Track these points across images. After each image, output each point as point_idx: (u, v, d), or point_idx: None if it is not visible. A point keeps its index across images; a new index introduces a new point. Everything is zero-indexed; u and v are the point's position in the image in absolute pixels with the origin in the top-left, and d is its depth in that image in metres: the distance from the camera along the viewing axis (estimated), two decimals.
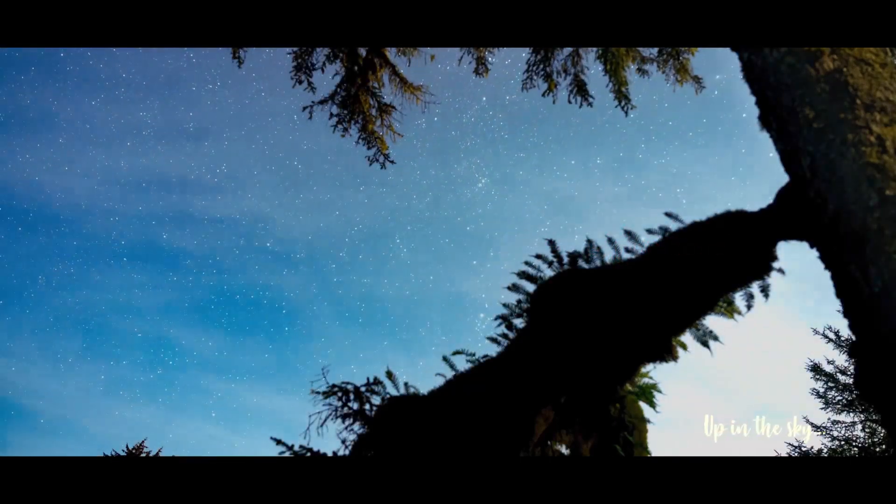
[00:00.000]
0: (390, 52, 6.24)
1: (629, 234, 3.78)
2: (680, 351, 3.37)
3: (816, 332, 11.01)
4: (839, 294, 1.67)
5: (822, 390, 11.02)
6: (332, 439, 3.64)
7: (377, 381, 3.36)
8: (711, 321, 3.55)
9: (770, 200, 2.47)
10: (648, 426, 3.92)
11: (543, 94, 6.11)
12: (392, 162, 6.55)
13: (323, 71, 6.12)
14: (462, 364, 4.49)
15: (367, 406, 3.24)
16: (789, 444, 11.08)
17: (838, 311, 1.71)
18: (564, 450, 3.53)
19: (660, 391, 4.06)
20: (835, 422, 10.73)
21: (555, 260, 4.10)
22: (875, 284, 1.39)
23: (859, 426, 10.52)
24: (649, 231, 3.48)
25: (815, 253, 1.96)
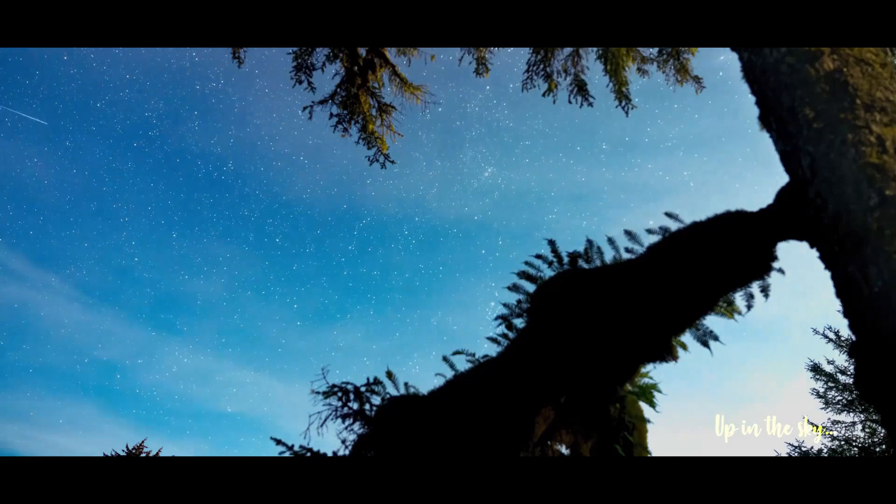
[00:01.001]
0: (390, 52, 6.24)
1: (629, 234, 3.78)
2: (681, 351, 3.37)
3: (816, 332, 11.02)
4: (839, 294, 1.67)
5: (822, 390, 11.03)
6: (333, 439, 3.64)
7: (377, 381, 3.36)
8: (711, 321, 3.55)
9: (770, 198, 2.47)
10: (648, 426, 3.92)
11: (544, 94, 6.11)
12: (392, 162, 6.55)
13: (323, 71, 6.12)
14: (462, 364, 4.49)
15: (367, 406, 3.24)
16: (789, 444, 11.10)
17: (838, 311, 1.71)
18: (564, 450, 3.52)
19: (660, 391, 4.06)
20: (835, 422, 10.74)
21: (555, 260, 4.10)
22: (875, 284, 1.39)
23: (859, 426, 10.52)
24: (649, 231, 3.48)
25: (815, 253, 1.96)
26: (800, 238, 2.32)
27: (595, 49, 5.76)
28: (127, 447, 15.28)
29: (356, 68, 6.15)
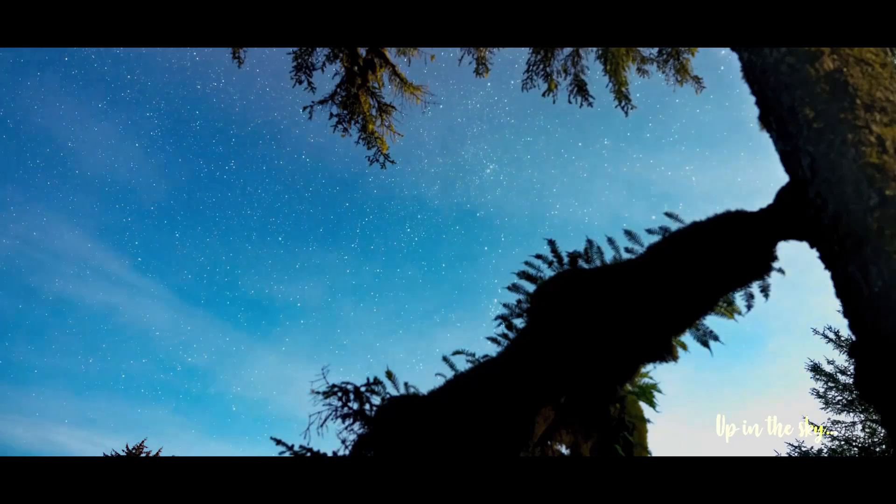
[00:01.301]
0: (390, 52, 6.24)
1: (629, 234, 3.78)
2: (680, 351, 3.36)
3: (816, 332, 11.03)
4: (839, 294, 1.67)
5: (822, 390, 11.03)
6: (332, 439, 3.64)
7: (377, 381, 3.36)
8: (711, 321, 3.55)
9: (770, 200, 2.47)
10: (648, 426, 3.92)
11: (544, 95, 6.11)
12: (392, 162, 6.55)
13: (323, 71, 6.12)
14: (462, 364, 4.49)
15: (367, 406, 3.24)
16: (789, 444, 11.10)
17: (838, 311, 1.71)
18: (564, 450, 3.52)
19: (660, 391, 4.06)
20: (835, 422, 10.74)
21: (555, 260, 4.10)
22: (875, 284, 1.39)
23: (859, 426, 10.53)
24: (649, 231, 3.48)
25: (815, 253, 1.96)
26: (800, 238, 2.32)
27: (595, 49, 5.75)
28: (127, 447, 15.27)
29: (356, 68, 6.15)
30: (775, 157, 2.17)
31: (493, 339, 4.12)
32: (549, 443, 3.41)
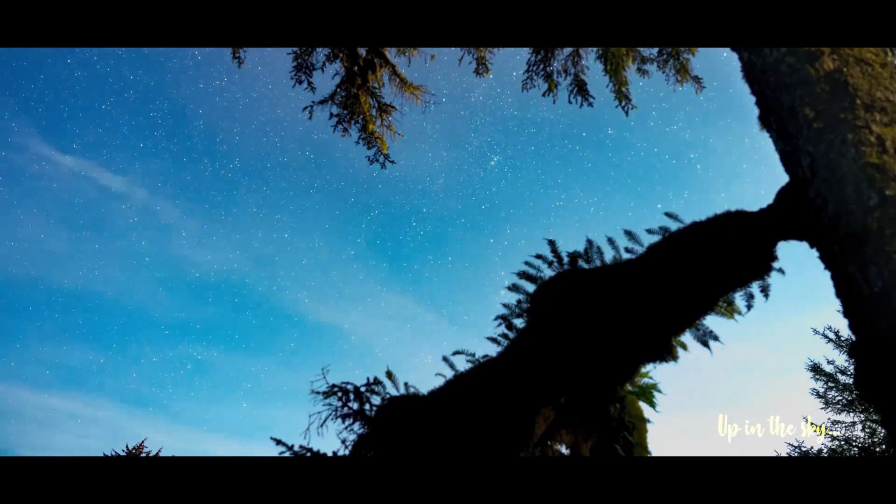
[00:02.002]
0: (390, 52, 6.24)
1: (629, 234, 3.78)
2: (680, 351, 3.36)
3: (816, 332, 11.03)
4: (839, 294, 1.67)
5: (822, 390, 11.03)
6: (332, 439, 3.64)
7: (377, 381, 3.36)
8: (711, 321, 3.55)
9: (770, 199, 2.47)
10: (648, 426, 3.92)
11: (544, 94, 6.10)
12: (392, 162, 6.55)
13: (323, 71, 6.12)
14: (462, 364, 4.49)
15: (367, 406, 3.24)
16: (789, 444, 11.10)
17: (838, 311, 1.71)
18: (564, 450, 3.53)
19: (660, 391, 4.06)
20: (835, 422, 10.75)
21: (555, 260, 4.10)
22: (875, 284, 1.39)
23: (859, 426, 10.53)
24: (649, 231, 3.48)
25: (815, 253, 1.96)
26: (800, 238, 2.32)
27: (595, 49, 5.75)
28: (127, 447, 15.27)
29: (356, 68, 6.15)
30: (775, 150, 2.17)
31: (493, 339, 4.12)
32: (549, 443, 3.42)
